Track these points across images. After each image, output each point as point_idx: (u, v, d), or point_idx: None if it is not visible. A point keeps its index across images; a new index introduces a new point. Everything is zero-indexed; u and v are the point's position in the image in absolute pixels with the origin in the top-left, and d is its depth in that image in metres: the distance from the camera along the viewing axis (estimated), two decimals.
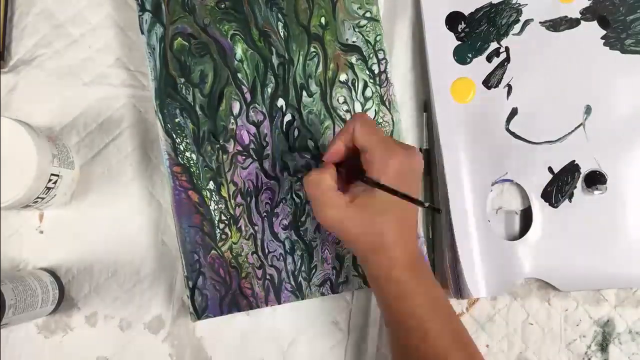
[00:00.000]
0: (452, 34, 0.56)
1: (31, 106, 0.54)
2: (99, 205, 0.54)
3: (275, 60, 0.53)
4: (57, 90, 0.54)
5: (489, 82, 0.55)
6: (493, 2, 0.56)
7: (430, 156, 0.55)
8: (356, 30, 0.53)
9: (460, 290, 0.52)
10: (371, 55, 0.53)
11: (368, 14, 0.53)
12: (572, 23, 0.56)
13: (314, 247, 0.52)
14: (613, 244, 0.54)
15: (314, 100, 0.53)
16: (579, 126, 0.55)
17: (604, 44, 0.55)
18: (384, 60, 0.54)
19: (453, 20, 0.56)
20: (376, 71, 0.53)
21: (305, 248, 0.52)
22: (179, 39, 0.52)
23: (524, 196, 0.55)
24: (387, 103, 0.53)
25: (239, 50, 0.52)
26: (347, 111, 0.53)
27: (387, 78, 0.54)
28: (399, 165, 0.44)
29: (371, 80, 0.53)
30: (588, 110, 0.55)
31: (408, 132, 0.56)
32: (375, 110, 0.53)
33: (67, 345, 0.53)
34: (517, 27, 0.56)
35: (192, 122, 0.51)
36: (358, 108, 0.53)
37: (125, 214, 0.54)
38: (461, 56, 0.56)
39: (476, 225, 0.53)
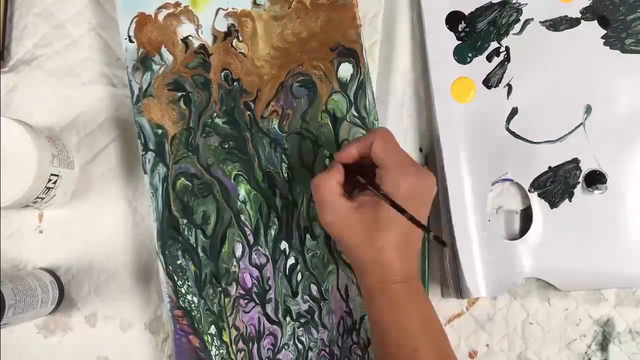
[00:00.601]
0: (452, 33, 0.56)
1: (31, 106, 0.54)
2: (99, 205, 0.54)
3: (278, 202, 0.52)
4: (57, 90, 0.54)
5: (489, 81, 0.55)
6: (493, 2, 0.56)
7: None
8: None
9: (460, 290, 0.52)
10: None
11: None
12: (572, 22, 0.56)
13: None
14: (613, 243, 0.54)
15: (317, 244, 0.52)
16: (579, 126, 0.55)
17: (604, 44, 0.55)
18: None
19: (453, 19, 0.56)
20: None
21: None
22: (182, 179, 0.51)
23: (524, 196, 0.55)
24: None
25: (242, 191, 0.51)
26: None
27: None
28: (410, 188, 0.43)
29: None
30: (588, 109, 0.55)
31: (407, 132, 0.56)
32: None
33: (66, 345, 0.53)
34: (517, 27, 0.56)
35: (194, 264, 0.50)
36: None
37: (126, 214, 0.54)
38: (461, 56, 0.55)
39: (476, 225, 0.53)
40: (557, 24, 0.56)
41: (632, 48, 0.55)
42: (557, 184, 0.54)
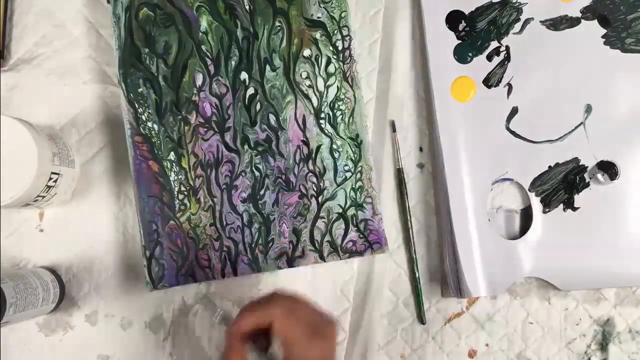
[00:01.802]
0: (452, 33, 0.56)
1: (31, 105, 0.54)
2: (99, 203, 0.54)
3: (240, 34, 0.53)
4: (57, 89, 0.54)
5: (489, 81, 0.55)
6: (493, 1, 0.56)
7: (402, 176, 0.55)
8: (321, 6, 0.54)
9: (460, 290, 0.52)
10: (335, 31, 0.54)
11: None
12: (572, 22, 0.56)
13: (272, 221, 0.53)
14: (613, 243, 0.54)
15: (277, 75, 0.53)
16: (579, 125, 0.55)
17: (605, 43, 0.55)
18: (348, 37, 0.54)
19: (453, 19, 0.56)
20: (340, 47, 0.54)
21: (262, 221, 0.53)
22: (145, 9, 0.53)
23: (524, 195, 0.55)
24: (349, 80, 0.54)
25: (204, 22, 0.53)
26: (310, 86, 0.53)
27: (350, 55, 0.54)
28: (316, 357, 0.42)
29: (334, 57, 0.54)
30: (588, 109, 0.55)
31: (407, 131, 0.56)
32: (337, 86, 0.54)
33: (67, 343, 0.53)
34: (517, 26, 0.56)
35: (155, 92, 0.52)
36: (321, 83, 0.53)
37: (126, 213, 0.54)
38: (461, 55, 0.55)
39: (476, 224, 0.53)
40: (558, 24, 0.56)
41: (632, 47, 0.55)
42: (557, 184, 0.54)
